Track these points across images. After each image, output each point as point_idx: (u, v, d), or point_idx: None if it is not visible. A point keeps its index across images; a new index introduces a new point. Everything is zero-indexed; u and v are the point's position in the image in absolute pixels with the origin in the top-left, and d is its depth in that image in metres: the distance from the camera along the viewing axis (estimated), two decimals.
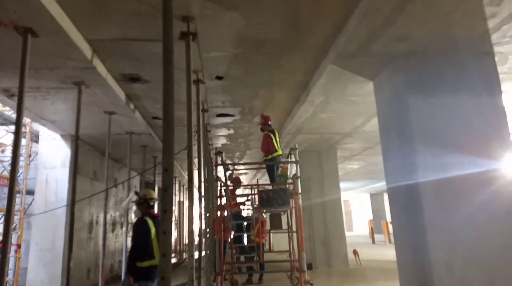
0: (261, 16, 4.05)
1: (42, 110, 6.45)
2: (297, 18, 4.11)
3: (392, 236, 9.76)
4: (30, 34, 3.83)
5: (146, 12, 3.79)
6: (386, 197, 22.81)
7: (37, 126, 8.71)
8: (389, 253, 13.40)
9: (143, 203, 4.43)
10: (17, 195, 10.26)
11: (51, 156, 8.15)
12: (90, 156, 9.48)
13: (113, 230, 11.51)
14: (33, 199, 8.93)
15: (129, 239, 11.84)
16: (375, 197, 28.13)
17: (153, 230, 4.21)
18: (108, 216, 10.61)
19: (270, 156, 6.89)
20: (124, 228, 10.97)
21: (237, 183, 8.59)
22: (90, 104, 6.07)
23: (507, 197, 4.16)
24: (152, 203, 4.48)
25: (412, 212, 4.39)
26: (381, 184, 20.06)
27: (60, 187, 8.01)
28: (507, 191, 4.18)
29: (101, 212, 8.62)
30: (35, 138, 9.33)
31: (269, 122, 6.95)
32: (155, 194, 4.60)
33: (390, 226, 13.37)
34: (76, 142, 5.58)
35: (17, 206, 10.16)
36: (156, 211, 4.67)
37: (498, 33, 4.10)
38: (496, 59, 4.64)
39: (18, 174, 10.13)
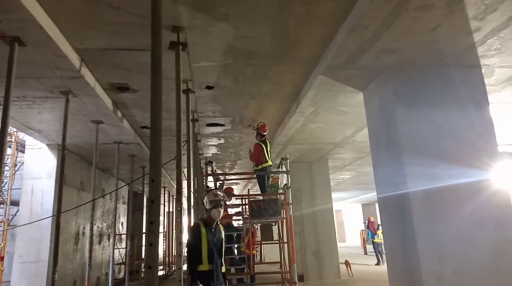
0: (251, 28, 4.06)
1: (28, 120, 6.34)
2: (286, 31, 4.14)
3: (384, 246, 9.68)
4: (17, 43, 3.79)
5: (136, 22, 3.77)
6: (377, 207, 22.87)
7: (23, 136, 8.57)
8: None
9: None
10: (1, 205, 10.03)
11: (37, 166, 7.99)
12: (77, 166, 9.32)
13: (100, 242, 11.27)
14: (17, 210, 8.72)
15: (117, 251, 11.57)
16: (367, 207, 28.16)
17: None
18: (95, 228, 10.40)
19: (260, 166, 6.86)
20: (111, 240, 10.76)
21: (228, 194, 8.50)
22: (77, 113, 5.99)
23: (495, 208, 4.20)
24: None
25: (403, 223, 4.39)
26: (373, 194, 20.08)
27: (46, 197, 7.83)
28: (495, 201, 4.22)
29: (88, 223, 8.45)
30: (20, 147, 9.16)
31: (263, 133, 6.93)
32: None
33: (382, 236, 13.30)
34: (63, 151, 5.48)
35: (0, 217, 9.92)
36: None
37: (484, 46, 4.18)
38: (483, 71, 4.72)
39: (2, 184, 9.97)
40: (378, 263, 14.10)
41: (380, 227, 15.91)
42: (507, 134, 8.57)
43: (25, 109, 5.80)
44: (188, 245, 3.95)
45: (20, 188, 8.30)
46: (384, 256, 13.82)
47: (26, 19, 3.38)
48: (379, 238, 14.47)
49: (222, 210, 4.10)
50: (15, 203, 9.35)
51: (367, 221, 16.80)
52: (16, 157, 9.48)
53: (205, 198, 4.07)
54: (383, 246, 14.28)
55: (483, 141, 4.41)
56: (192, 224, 4.13)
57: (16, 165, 9.56)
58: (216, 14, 3.75)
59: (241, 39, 4.26)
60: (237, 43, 4.36)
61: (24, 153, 8.43)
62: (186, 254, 4.02)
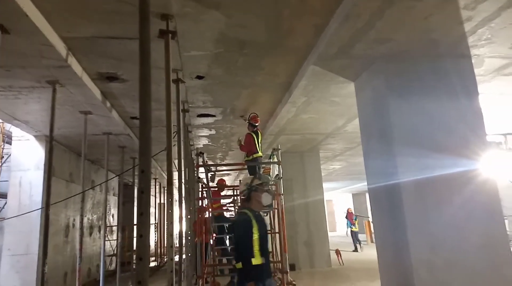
0: (243, 17, 3.99)
1: (14, 110, 6.20)
2: (279, 20, 4.08)
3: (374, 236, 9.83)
4: (1, 31, 3.67)
5: (124, 10, 3.67)
6: (367, 197, 23.13)
7: (9, 127, 8.39)
8: (371, 253, 13.59)
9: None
10: None
11: (25, 157, 7.85)
12: (65, 157, 9.19)
13: (90, 234, 11.20)
14: (5, 203, 8.59)
15: (108, 243, 11.56)
16: (357, 197, 28.51)
17: None
18: (85, 220, 10.32)
19: (251, 157, 6.85)
20: (102, 232, 10.70)
21: (221, 185, 8.50)
22: (65, 103, 5.87)
23: (485, 197, 4.26)
24: None
25: (393, 213, 4.43)
26: (363, 184, 20.35)
27: (34, 189, 7.73)
28: (485, 191, 4.28)
29: (78, 215, 8.37)
30: (7, 139, 8.98)
31: (255, 123, 6.90)
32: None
33: (372, 226, 13.59)
34: (51, 143, 5.38)
35: None
36: None
37: (474, 36, 4.19)
38: (473, 61, 4.74)
39: None
40: (355, 250, 15.33)
41: (357, 217, 17.43)
42: (495, 124, 8.69)
43: (11, 100, 5.66)
44: (237, 238, 3.49)
45: (7, 180, 8.16)
46: (360, 243, 15.82)
47: (9, 6, 3.26)
48: (356, 227, 16.39)
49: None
50: (2, 196, 9.19)
51: (346, 212, 17.86)
52: (3, 148, 9.29)
53: (245, 185, 3.63)
54: (358, 235, 16.23)
55: (473, 131, 4.45)
56: (238, 214, 3.65)
57: (3, 157, 9.37)
58: (207, 1, 3.68)
59: (233, 27, 4.19)
60: (229, 32, 4.29)
61: (11, 144, 8.27)
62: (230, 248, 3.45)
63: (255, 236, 3.34)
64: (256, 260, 3.28)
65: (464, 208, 4.18)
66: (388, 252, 4.68)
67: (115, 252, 11.16)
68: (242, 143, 7.00)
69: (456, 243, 4.10)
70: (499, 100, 6.75)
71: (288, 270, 6.59)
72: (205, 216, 7.50)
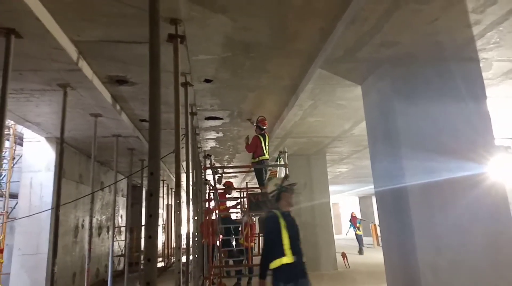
0: (249, 20, 4.04)
1: (25, 112, 6.32)
2: (285, 23, 4.12)
3: (380, 239, 9.80)
4: (14, 35, 3.76)
5: (133, 14, 3.75)
6: (374, 200, 22.96)
7: (21, 129, 8.54)
8: (377, 256, 13.50)
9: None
10: (0, 198, 10.03)
11: (36, 159, 7.98)
12: (75, 159, 9.32)
13: (99, 234, 11.32)
14: (16, 203, 8.73)
15: (116, 244, 11.68)
16: (363, 200, 28.34)
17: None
18: (94, 220, 10.44)
19: (257, 159, 6.89)
20: (110, 232, 10.81)
21: (229, 188, 8.55)
22: (75, 106, 5.97)
23: (492, 201, 4.24)
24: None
25: (400, 216, 4.42)
26: (369, 188, 20.23)
27: (44, 190, 7.85)
28: (491, 194, 4.25)
29: (87, 216, 8.48)
30: (19, 140, 9.13)
31: (262, 126, 6.95)
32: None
33: (379, 229, 13.54)
34: (61, 145, 5.48)
35: None
36: None
37: (483, 39, 4.17)
38: (481, 65, 4.72)
39: (1, 177, 9.94)
40: (360, 252, 15.47)
41: (361, 221, 17.17)
42: (503, 128, 8.60)
43: (23, 102, 5.77)
44: (265, 238, 3.46)
45: (18, 181, 8.30)
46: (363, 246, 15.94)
47: (22, 11, 3.35)
48: (360, 230, 16.62)
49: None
50: (14, 196, 9.35)
51: (350, 216, 17.95)
52: (15, 150, 9.45)
53: (275, 186, 3.57)
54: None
55: (480, 135, 4.43)
56: (266, 215, 3.61)
57: (14, 158, 9.54)
58: (213, 6, 3.73)
59: (239, 31, 4.24)
60: (236, 36, 4.34)
61: (22, 146, 8.42)
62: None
63: (285, 235, 3.35)
64: (288, 259, 3.30)
65: (470, 211, 4.17)
66: (395, 255, 4.67)
67: (123, 252, 11.25)
68: (249, 142, 7.06)
69: (461, 245, 4.09)
70: (507, 104, 6.69)
71: None
72: (212, 218, 7.54)
